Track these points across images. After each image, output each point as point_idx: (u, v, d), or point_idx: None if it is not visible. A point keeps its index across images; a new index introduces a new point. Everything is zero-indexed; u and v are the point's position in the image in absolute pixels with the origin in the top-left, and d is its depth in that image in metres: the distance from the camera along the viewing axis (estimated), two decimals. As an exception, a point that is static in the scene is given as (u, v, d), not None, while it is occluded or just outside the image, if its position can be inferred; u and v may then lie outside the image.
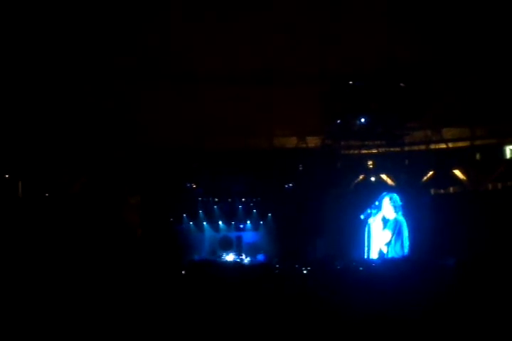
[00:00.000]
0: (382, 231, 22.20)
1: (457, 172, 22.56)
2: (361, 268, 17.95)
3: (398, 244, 21.71)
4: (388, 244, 21.91)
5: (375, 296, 7.73)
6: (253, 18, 19.22)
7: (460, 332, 5.88)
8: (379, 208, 22.34)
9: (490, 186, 22.31)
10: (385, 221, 22.23)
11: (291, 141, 23.55)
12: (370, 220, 22.36)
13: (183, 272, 15.53)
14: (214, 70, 21.60)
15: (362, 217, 22.41)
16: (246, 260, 24.42)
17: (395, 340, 5.89)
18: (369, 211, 22.39)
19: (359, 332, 6.04)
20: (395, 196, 22.24)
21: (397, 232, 21.83)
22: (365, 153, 22.97)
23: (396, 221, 22.00)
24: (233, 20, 19.25)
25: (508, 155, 22.17)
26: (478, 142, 22.19)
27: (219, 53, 20.77)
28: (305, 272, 18.94)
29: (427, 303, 6.89)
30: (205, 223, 25.12)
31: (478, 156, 22.42)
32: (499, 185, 22.20)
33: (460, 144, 22.37)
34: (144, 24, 18.93)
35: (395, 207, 22.13)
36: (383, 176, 23.03)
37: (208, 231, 25.21)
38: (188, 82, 21.93)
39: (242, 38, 20.09)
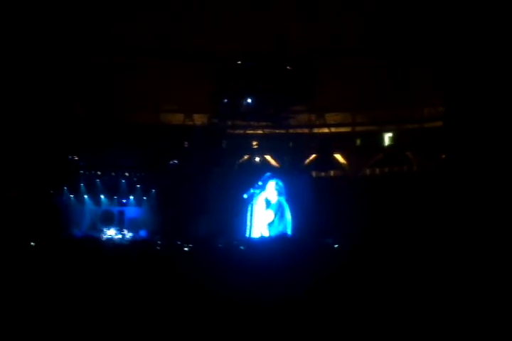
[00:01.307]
0: (265, 212, 22.49)
1: (338, 157, 23.23)
2: (242, 247, 18.16)
3: (281, 225, 22.12)
4: (270, 225, 22.25)
5: (256, 275, 7.81)
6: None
7: (338, 311, 6.05)
8: (263, 188, 22.60)
9: (368, 171, 23.12)
10: (267, 202, 22.54)
11: (178, 118, 23.43)
12: (254, 200, 22.63)
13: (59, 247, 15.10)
14: (104, 43, 21.11)
15: (245, 196, 22.58)
16: (128, 235, 24.10)
17: (276, 319, 5.97)
18: (252, 191, 22.58)
19: (238, 312, 6.09)
20: (279, 181, 22.62)
21: (280, 213, 22.22)
22: (250, 134, 23.23)
23: (279, 203, 22.37)
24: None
25: (386, 142, 23.04)
26: (359, 128, 22.95)
27: (109, 27, 20.31)
28: (186, 249, 18.92)
29: (308, 282, 7.04)
30: (86, 196, 24.47)
31: (358, 142, 23.16)
32: (377, 171, 23.03)
33: (342, 129, 23.07)
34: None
35: (277, 191, 22.49)
36: (267, 157, 23.36)
37: (90, 205, 24.56)
38: (76, 52, 21.29)
39: (133, 13, 19.75)
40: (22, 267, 8.38)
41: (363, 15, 19.40)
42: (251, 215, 22.67)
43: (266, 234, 22.20)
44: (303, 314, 5.90)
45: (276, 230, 22.07)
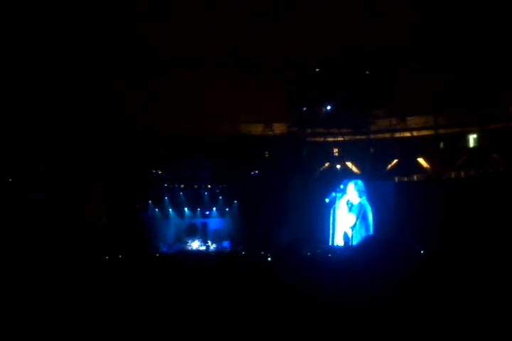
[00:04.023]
0: (347, 215, 22.33)
1: (421, 161, 22.76)
2: (330, 255, 18.08)
3: (363, 228, 21.89)
4: (353, 228, 22.05)
5: (345, 283, 7.71)
6: (216, 5, 19.16)
7: (429, 321, 5.89)
8: (344, 192, 22.47)
9: (453, 175, 22.53)
10: (349, 205, 22.38)
11: (258, 128, 23.48)
12: (336, 204, 22.55)
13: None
14: (180, 56, 21.45)
15: (327, 200, 22.51)
16: (212, 247, 24.40)
17: (366, 329, 5.84)
18: (334, 194, 22.49)
19: (331, 322, 6.00)
20: (360, 182, 22.45)
21: (362, 216, 22.01)
22: (330, 141, 23.06)
23: (360, 205, 22.18)
24: (196, 8, 19.15)
25: (471, 144, 22.40)
26: (442, 131, 22.38)
27: (185, 40, 20.62)
28: (269, 259, 18.87)
29: (397, 290, 6.91)
30: (170, 210, 24.96)
31: (442, 145, 22.59)
32: (462, 174, 22.41)
33: (424, 133, 22.56)
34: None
35: (359, 192, 22.33)
36: (348, 164, 23.13)
37: (174, 218, 25.05)
38: (154, 67, 21.72)
39: (207, 25, 19.99)
40: (110, 279, 8.55)
41: (440, 15, 18.98)
42: (333, 219, 22.56)
43: (349, 238, 22.01)
44: (391, 321, 5.77)
45: (359, 233, 21.84)
